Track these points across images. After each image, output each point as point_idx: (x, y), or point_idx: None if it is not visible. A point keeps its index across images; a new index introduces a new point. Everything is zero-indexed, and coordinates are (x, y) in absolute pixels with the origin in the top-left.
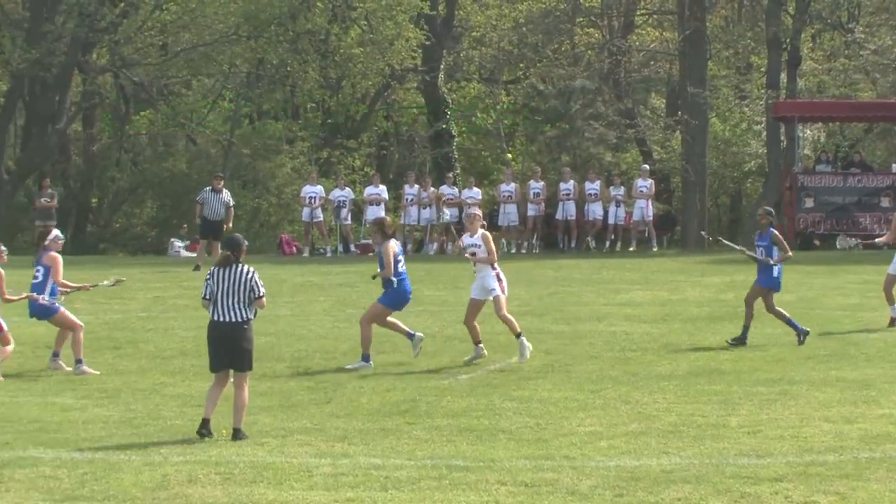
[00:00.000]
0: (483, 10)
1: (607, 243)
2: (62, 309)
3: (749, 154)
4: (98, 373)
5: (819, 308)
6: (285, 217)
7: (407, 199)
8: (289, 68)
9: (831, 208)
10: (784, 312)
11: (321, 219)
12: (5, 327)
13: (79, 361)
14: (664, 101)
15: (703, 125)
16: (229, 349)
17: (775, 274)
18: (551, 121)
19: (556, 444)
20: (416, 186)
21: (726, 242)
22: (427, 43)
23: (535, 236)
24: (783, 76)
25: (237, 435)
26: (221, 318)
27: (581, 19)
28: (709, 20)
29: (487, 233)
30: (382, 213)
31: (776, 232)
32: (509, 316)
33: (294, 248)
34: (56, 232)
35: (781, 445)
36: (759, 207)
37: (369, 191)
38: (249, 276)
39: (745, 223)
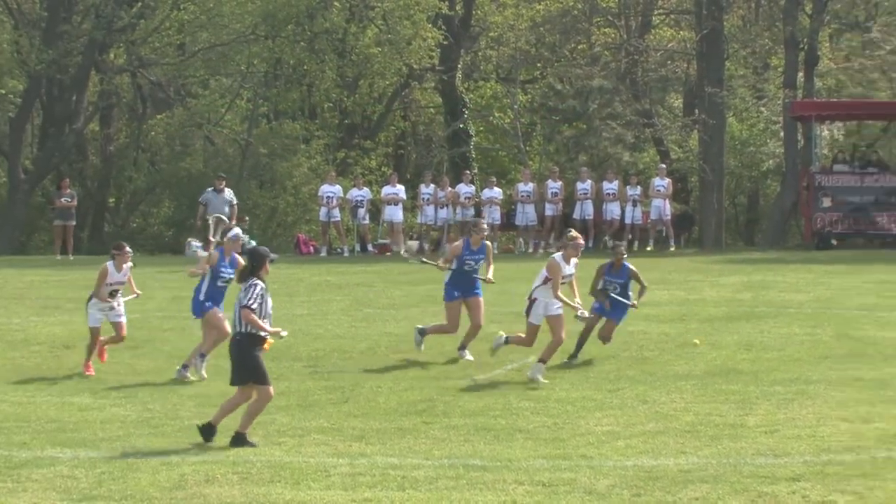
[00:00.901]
0: (500, 9)
1: (625, 243)
2: (215, 308)
3: (766, 154)
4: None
5: (836, 307)
6: (302, 217)
7: (423, 199)
8: (306, 68)
9: (849, 208)
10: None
11: (339, 218)
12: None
13: (201, 356)
14: (681, 100)
15: (721, 125)
16: (231, 361)
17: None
18: (569, 120)
19: (574, 443)
20: (433, 186)
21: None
22: (444, 43)
23: (552, 236)
24: (800, 76)
25: (234, 440)
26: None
27: (598, 19)
28: (726, 20)
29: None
30: (400, 213)
31: (632, 267)
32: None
33: (311, 248)
34: (236, 231)
35: (799, 445)
36: (616, 246)
37: (387, 190)
38: (244, 286)
39: (763, 222)
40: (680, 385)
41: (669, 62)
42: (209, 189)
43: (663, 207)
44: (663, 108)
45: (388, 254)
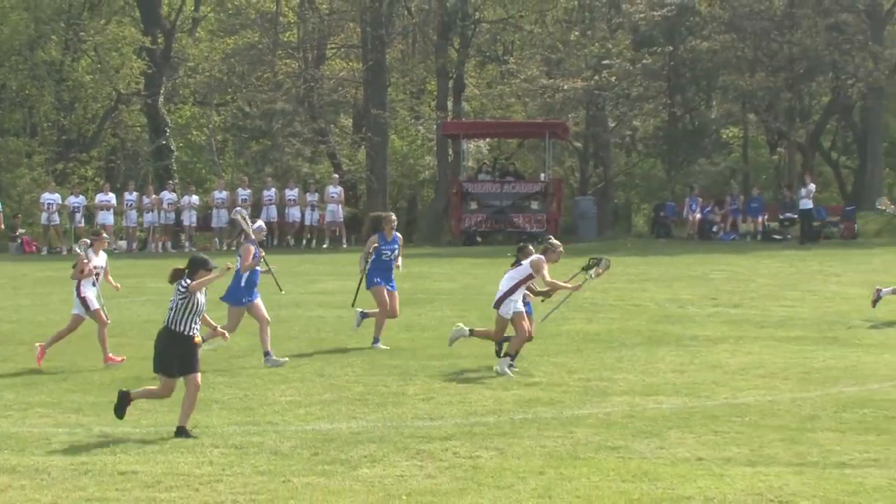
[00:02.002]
0: (196, 43)
1: (304, 241)
2: (255, 300)
3: (423, 165)
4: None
5: (481, 294)
6: (26, 220)
7: (127, 205)
8: (27, 93)
9: (491, 210)
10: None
11: (57, 222)
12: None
13: (266, 353)
14: (351, 121)
15: (384, 141)
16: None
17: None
18: (256, 137)
19: (262, 412)
20: (135, 193)
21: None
22: (149, 71)
23: (242, 235)
24: (450, 100)
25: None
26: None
27: (280, 51)
28: (388, 53)
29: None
30: (111, 217)
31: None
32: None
33: (34, 248)
34: (260, 223)
35: (451, 409)
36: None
37: (100, 198)
38: (177, 286)
39: (420, 223)
40: (351, 361)
41: (340, 88)
42: None
43: (337, 211)
44: (336, 127)
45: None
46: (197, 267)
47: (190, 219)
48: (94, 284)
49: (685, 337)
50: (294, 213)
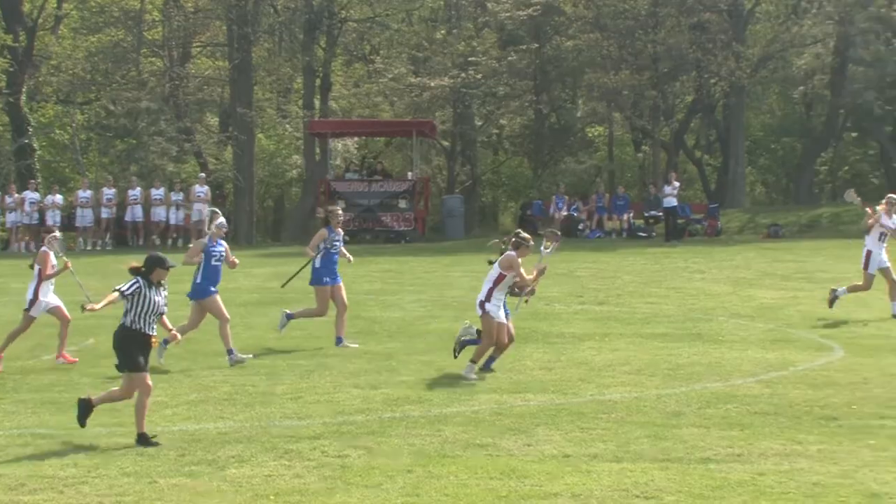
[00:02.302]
0: (59, 41)
1: (170, 241)
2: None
3: (290, 164)
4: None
5: (349, 293)
6: None
7: None
8: None
9: (359, 209)
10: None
11: None
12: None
13: (229, 352)
14: (217, 119)
15: (251, 140)
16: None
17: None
18: (121, 136)
19: (128, 413)
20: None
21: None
22: (10, 69)
23: (107, 235)
24: (318, 99)
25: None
26: None
27: (145, 50)
28: (254, 52)
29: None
30: None
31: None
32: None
33: None
34: (222, 219)
35: (319, 409)
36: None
37: None
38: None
39: (287, 222)
40: (219, 361)
41: (206, 87)
42: None
43: (203, 211)
44: (202, 125)
45: None
46: (154, 265)
47: (54, 218)
48: (51, 285)
49: (552, 334)
50: (159, 213)
